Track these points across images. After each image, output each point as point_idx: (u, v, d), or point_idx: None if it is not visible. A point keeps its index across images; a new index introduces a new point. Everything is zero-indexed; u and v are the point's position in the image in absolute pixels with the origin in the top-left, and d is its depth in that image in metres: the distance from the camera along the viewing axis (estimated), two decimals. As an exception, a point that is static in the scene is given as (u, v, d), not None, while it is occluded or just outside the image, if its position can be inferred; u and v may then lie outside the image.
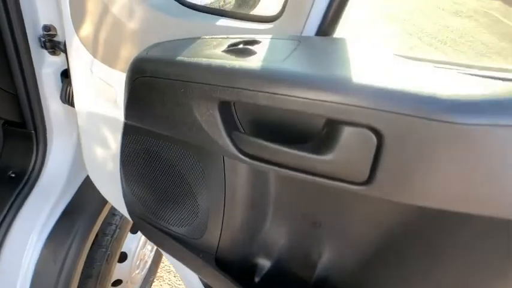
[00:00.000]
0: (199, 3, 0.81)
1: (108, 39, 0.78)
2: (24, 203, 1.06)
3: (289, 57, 0.56)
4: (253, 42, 0.62)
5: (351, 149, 0.51)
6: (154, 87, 0.65)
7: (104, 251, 1.19)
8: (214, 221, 0.76)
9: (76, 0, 0.78)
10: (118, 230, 1.24)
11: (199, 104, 0.60)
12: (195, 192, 0.76)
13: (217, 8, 0.82)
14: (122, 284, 1.47)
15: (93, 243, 1.17)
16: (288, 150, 0.55)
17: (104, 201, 1.19)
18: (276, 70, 0.54)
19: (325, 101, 0.49)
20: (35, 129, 1.04)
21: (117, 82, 0.80)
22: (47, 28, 0.94)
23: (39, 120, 1.04)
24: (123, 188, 0.90)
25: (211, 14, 0.76)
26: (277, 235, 0.81)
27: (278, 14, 0.70)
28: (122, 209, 0.96)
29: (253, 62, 0.56)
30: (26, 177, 1.07)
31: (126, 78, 0.71)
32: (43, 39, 0.95)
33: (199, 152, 0.70)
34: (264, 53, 0.58)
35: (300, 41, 0.61)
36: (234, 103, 0.62)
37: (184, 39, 0.71)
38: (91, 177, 1.06)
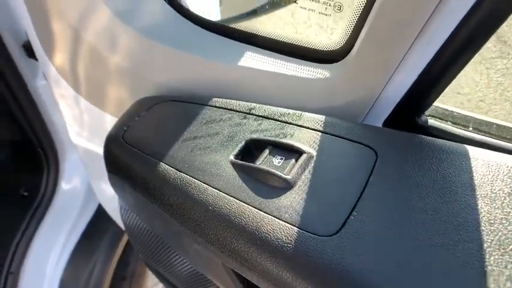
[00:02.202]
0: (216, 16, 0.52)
1: (90, 75, 0.54)
2: (41, 222, 0.95)
3: (352, 219, 0.28)
4: (289, 149, 0.34)
5: None
6: (132, 186, 0.42)
7: (130, 269, 1.09)
8: None
9: (39, 20, 0.53)
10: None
11: (195, 248, 0.37)
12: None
13: (248, 31, 0.50)
14: None
15: (118, 263, 1.06)
16: None
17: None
18: (324, 260, 0.27)
19: None
20: (42, 147, 0.89)
21: (109, 124, 0.59)
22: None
23: (44, 137, 0.87)
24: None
25: (236, 40, 0.48)
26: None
27: (342, 48, 0.40)
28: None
29: (280, 224, 0.30)
30: (40, 195, 0.95)
31: (103, 153, 0.47)
32: (29, 46, 0.73)
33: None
34: (305, 192, 0.31)
35: (377, 151, 0.33)
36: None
37: (182, 102, 0.45)
38: (102, 205, 0.91)
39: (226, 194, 0.32)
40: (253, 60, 0.44)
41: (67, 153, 0.91)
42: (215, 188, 0.33)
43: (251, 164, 0.33)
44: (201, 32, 0.48)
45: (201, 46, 0.47)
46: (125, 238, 1.06)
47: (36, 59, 0.74)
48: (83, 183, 0.96)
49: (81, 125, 0.66)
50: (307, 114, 0.38)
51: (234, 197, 0.32)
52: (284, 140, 0.35)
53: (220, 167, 0.35)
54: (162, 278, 0.73)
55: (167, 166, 0.37)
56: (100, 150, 0.68)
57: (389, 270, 0.25)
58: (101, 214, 1.01)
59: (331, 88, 0.40)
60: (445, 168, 0.30)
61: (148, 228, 0.58)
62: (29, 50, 0.74)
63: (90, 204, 1.00)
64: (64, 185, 0.94)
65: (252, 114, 0.39)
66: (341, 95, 0.40)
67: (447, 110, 0.41)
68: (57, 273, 1.00)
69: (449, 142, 0.33)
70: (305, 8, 0.40)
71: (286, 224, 0.29)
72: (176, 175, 0.35)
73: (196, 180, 0.34)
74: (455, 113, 0.41)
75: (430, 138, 0.33)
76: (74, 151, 0.91)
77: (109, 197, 0.82)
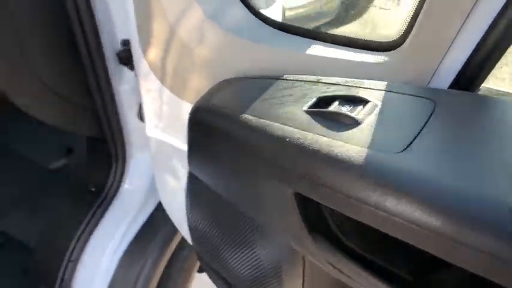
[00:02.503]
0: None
1: (176, 66, 0.65)
2: (103, 217, 1.04)
3: (417, 142, 0.33)
4: (357, 100, 0.40)
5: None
6: (215, 145, 0.49)
7: (180, 266, 1.14)
8: None
9: (142, 21, 0.65)
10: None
11: (269, 184, 0.42)
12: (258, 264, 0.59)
13: (314, 29, 0.60)
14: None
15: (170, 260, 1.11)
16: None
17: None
18: (395, 170, 0.32)
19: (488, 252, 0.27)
20: (115, 146, 1.00)
21: (186, 114, 0.67)
22: (125, 42, 0.86)
23: (118, 136, 0.98)
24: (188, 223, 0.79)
25: (304, 36, 0.56)
26: None
27: (398, 39, 0.47)
28: (189, 239, 0.86)
29: (352, 147, 0.35)
30: (105, 191, 1.04)
31: (187, 126, 0.56)
32: (121, 55, 0.87)
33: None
34: (373, 125, 0.36)
35: (436, 101, 0.38)
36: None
37: (258, 78, 0.53)
38: (162, 202, 0.98)
39: (301, 129, 0.38)
40: (320, 50, 0.52)
41: (134, 153, 1.01)
42: (291, 126, 0.39)
43: (323, 109, 0.39)
44: (273, 31, 0.58)
45: (274, 41, 0.56)
46: (176, 240, 1.11)
47: (127, 66, 0.88)
48: (145, 183, 1.04)
49: (159, 116, 0.76)
50: (371, 81, 0.44)
51: (307, 131, 0.38)
52: (351, 93, 0.41)
53: (295, 115, 0.41)
54: (217, 276, 0.76)
55: (250, 116, 0.43)
56: (173, 141, 0.77)
57: (465, 175, 0.29)
58: (156, 214, 1.08)
59: (390, 71, 0.46)
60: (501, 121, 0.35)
61: (215, 220, 0.64)
62: (121, 58, 0.88)
63: (149, 204, 1.08)
64: (127, 184, 1.03)
65: (321, 82, 0.45)
66: (398, 78, 0.46)
67: (495, 89, 0.46)
68: (112, 266, 1.06)
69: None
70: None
71: (356, 146, 0.34)
72: (258, 122, 0.42)
73: (275, 123, 0.41)
74: (501, 92, 0.45)
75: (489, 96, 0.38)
76: (140, 151, 1.01)
77: (171, 192, 0.89)
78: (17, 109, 0.89)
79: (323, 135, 0.37)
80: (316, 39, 0.55)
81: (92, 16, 0.79)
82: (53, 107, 0.92)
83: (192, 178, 0.63)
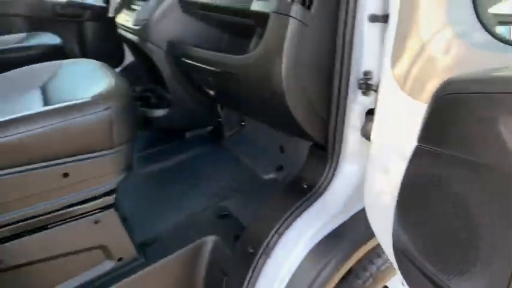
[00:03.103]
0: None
1: (419, 75, 0.86)
2: (301, 215, 1.26)
3: None
4: None
5: None
6: (459, 104, 0.65)
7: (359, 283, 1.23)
8: None
9: (398, 41, 0.91)
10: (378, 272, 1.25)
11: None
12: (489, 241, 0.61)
13: None
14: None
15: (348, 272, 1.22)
16: None
17: (370, 238, 1.23)
18: None
19: None
20: (332, 154, 1.25)
21: (418, 112, 0.86)
22: (366, 73, 1.14)
23: (338, 147, 1.23)
24: (394, 221, 0.91)
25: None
26: None
27: None
28: (386, 245, 0.96)
29: None
30: (313, 191, 1.28)
31: (432, 100, 0.74)
32: (360, 82, 1.15)
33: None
34: None
35: None
36: None
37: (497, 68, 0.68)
38: (366, 207, 1.13)
39: None
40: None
41: (347, 160, 1.23)
42: None
43: None
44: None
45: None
46: (362, 250, 1.22)
47: (363, 91, 1.15)
48: (349, 189, 1.24)
49: (391, 119, 0.96)
50: None
51: None
52: None
53: None
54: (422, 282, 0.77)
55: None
56: (396, 142, 0.95)
57: None
58: (352, 220, 1.24)
59: None
60: None
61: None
62: (360, 85, 1.16)
63: (347, 209, 1.25)
64: (335, 186, 1.25)
65: None
66: None
67: None
68: (296, 262, 1.25)
69: None
70: None
71: None
72: None
73: None
74: None
75: None
76: (352, 159, 1.22)
77: (379, 197, 1.04)
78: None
79: None
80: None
81: (351, 48, 1.11)
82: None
83: (417, 152, 0.79)
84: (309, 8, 1.09)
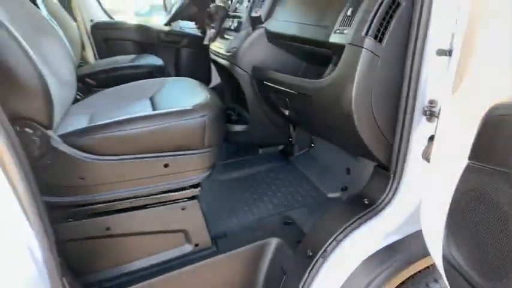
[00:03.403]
0: None
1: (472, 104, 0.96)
2: (364, 223, 1.36)
3: None
4: None
5: None
6: (505, 125, 0.74)
7: None
8: None
9: (458, 73, 1.02)
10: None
11: None
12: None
13: None
14: None
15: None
16: None
17: (422, 257, 1.29)
18: None
19: None
20: (394, 174, 1.35)
21: (471, 137, 0.95)
22: (431, 102, 1.25)
23: (400, 167, 1.34)
24: (444, 234, 0.98)
25: None
26: None
27: None
28: (438, 261, 1.04)
29: None
30: (374, 207, 1.38)
31: (481, 124, 0.84)
32: (425, 109, 1.26)
33: None
34: None
35: None
36: None
37: None
38: (422, 224, 1.21)
39: None
40: None
41: (407, 179, 1.32)
42: None
43: None
44: None
45: None
46: (412, 268, 1.28)
47: (427, 117, 1.25)
48: (407, 209, 1.32)
49: (449, 147, 1.06)
50: None
51: None
52: None
53: None
54: None
55: None
56: (452, 161, 1.04)
57: None
58: (406, 239, 1.31)
59: None
60: None
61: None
62: (425, 111, 1.27)
63: (405, 227, 1.33)
64: (394, 204, 1.34)
65: None
66: None
67: None
68: (350, 269, 1.34)
69: None
70: None
71: None
72: None
73: None
74: None
75: None
76: (413, 184, 1.31)
77: (432, 212, 1.12)
78: None
79: None
80: None
81: (418, 78, 1.23)
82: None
83: (468, 170, 0.88)
84: (380, 41, 1.24)
